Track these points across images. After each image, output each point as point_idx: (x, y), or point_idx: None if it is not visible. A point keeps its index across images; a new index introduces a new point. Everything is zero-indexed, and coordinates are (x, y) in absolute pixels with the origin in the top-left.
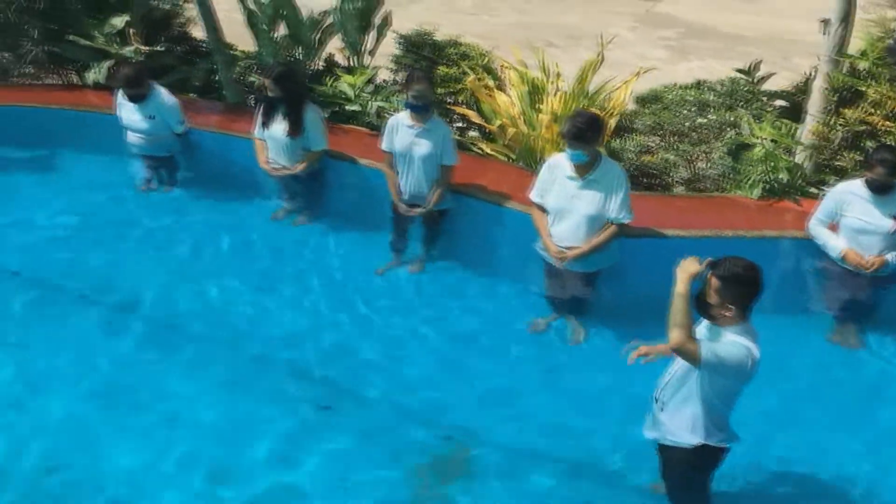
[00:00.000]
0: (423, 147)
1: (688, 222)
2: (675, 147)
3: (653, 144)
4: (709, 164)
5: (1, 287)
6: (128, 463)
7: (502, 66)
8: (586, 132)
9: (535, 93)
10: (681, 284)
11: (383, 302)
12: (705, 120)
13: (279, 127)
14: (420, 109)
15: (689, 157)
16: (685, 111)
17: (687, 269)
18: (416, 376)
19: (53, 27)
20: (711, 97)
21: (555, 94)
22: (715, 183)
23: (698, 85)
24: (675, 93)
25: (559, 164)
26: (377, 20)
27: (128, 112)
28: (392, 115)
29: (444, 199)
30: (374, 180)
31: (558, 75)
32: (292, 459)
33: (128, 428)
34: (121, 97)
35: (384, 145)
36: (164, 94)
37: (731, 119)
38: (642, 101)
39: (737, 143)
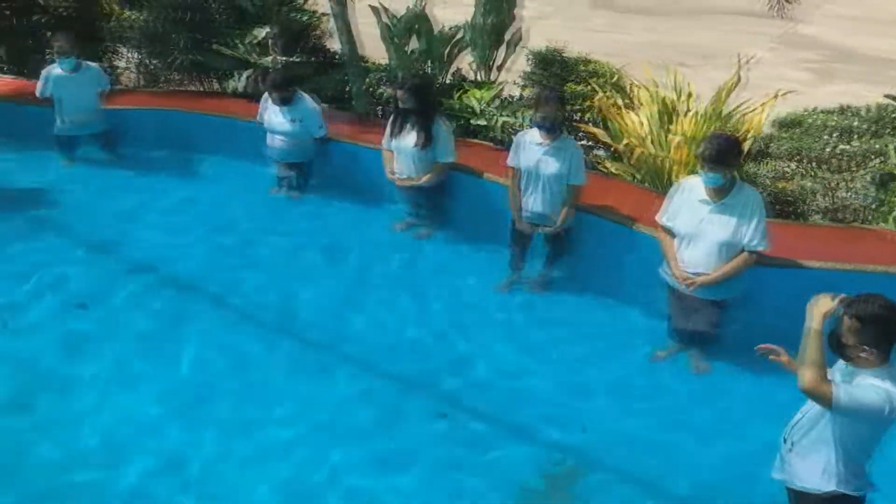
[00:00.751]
0: (550, 165)
1: (826, 254)
2: (813, 174)
3: (789, 170)
4: (850, 194)
5: (137, 284)
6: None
7: (632, 84)
8: (727, 155)
9: (665, 113)
10: (813, 322)
11: (500, 318)
12: (849, 147)
13: (408, 138)
14: (548, 130)
15: (828, 185)
16: (826, 137)
17: (820, 307)
18: (530, 395)
19: (199, 37)
20: (856, 123)
21: (686, 115)
22: (856, 214)
23: (842, 110)
24: (816, 117)
25: (692, 187)
26: (509, 36)
27: (273, 115)
28: (520, 130)
29: (568, 220)
30: (498, 195)
31: (690, 95)
32: (401, 463)
33: (258, 433)
34: (266, 100)
35: (511, 161)
36: (308, 99)
37: (878, 147)
38: (780, 125)
39: (883, 172)
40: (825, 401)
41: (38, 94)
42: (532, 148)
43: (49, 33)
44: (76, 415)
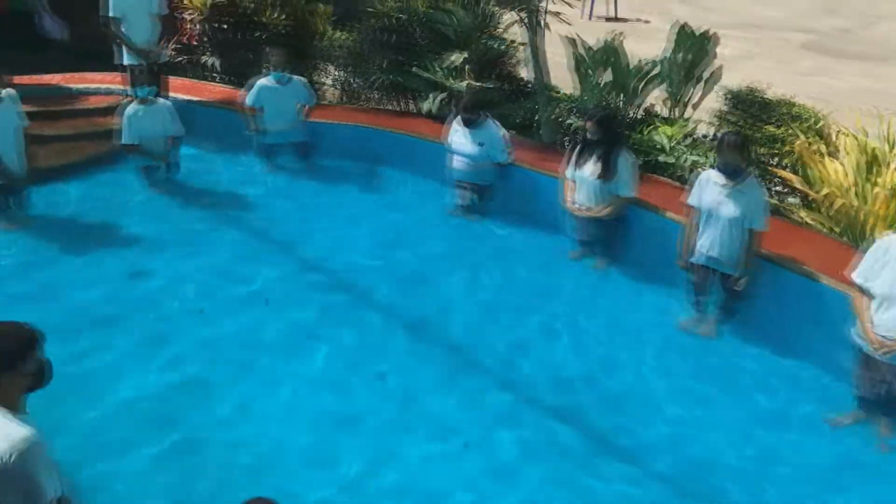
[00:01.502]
0: (731, 208)
1: None
2: None
3: None
4: None
5: (314, 286)
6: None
7: (838, 131)
8: None
9: (873, 164)
10: None
11: (672, 359)
12: None
13: (590, 169)
14: (731, 174)
15: None
16: None
17: None
18: (697, 448)
19: (400, 59)
20: None
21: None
22: None
23: None
24: None
25: (894, 246)
26: (705, 74)
27: (460, 137)
28: (704, 169)
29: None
30: (677, 234)
31: None
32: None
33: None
34: (456, 122)
35: (690, 199)
36: (494, 124)
37: None
38: None
39: None
40: None
41: (246, 103)
42: (714, 188)
43: (266, 48)
44: (243, 401)
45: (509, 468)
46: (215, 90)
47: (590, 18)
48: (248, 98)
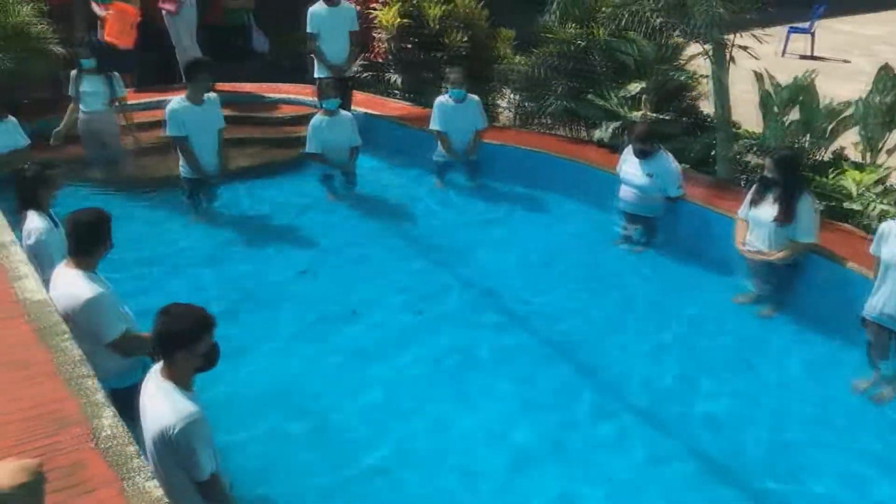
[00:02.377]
0: None
1: None
2: None
3: None
4: None
5: (464, 300)
6: None
7: None
8: None
9: None
10: None
11: (840, 420)
12: None
13: (768, 210)
14: None
15: None
16: None
17: None
18: None
19: (576, 86)
20: None
21: None
22: None
23: None
24: None
25: None
26: None
27: (631, 167)
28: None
29: None
30: (859, 288)
31: None
32: None
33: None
34: (628, 152)
35: (873, 249)
36: (669, 157)
37: None
38: None
39: None
40: None
41: (432, 126)
42: (895, 240)
43: (445, 68)
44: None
45: None
46: (395, 106)
47: (783, 55)
48: (434, 122)
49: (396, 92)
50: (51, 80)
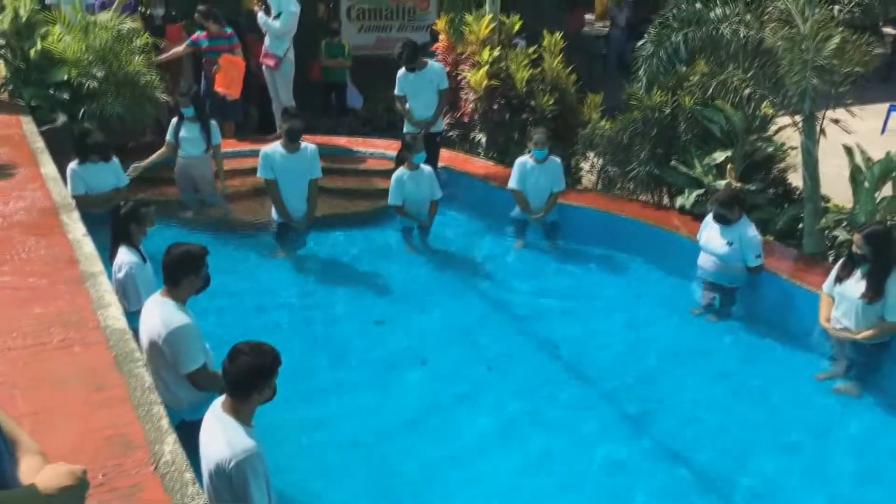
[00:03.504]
0: None
1: None
2: None
3: None
4: None
5: (542, 365)
6: None
7: None
8: None
9: None
10: None
11: None
12: None
13: (856, 287)
14: None
15: None
16: None
17: None
18: None
19: (660, 152)
20: None
21: None
22: None
23: None
24: None
25: None
26: None
27: (712, 233)
28: None
29: None
30: None
31: None
32: None
33: None
34: (709, 219)
35: None
36: (750, 226)
37: None
38: None
39: None
40: None
41: (510, 185)
42: None
43: (530, 129)
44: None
45: None
46: (479, 164)
47: (883, 132)
48: (512, 180)
49: (481, 150)
50: (156, 126)
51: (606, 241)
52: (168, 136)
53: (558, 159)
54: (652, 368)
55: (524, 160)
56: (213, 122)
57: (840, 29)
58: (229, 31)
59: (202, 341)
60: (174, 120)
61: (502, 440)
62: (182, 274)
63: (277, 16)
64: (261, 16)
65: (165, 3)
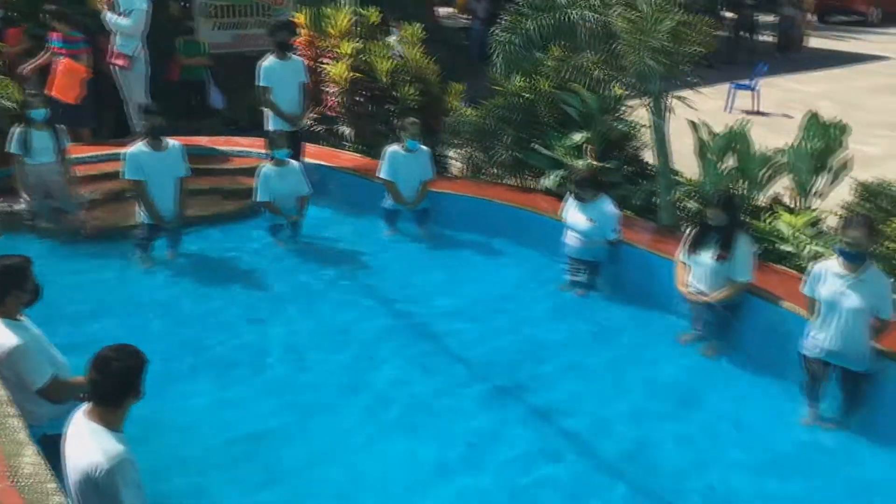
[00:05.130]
0: (853, 299)
1: None
2: None
3: None
4: None
5: (416, 348)
6: None
7: None
8: None
9: None
10: None
11: (787, 459)
12: None
13: (707, 252)
14: (853, 258)
15: None
16: None
17: None
18: None
19: (523, 136)
20: None
21: None
22: None
23: None
24: None
25: None
26: (834, 163)
27: (573, 212)
28: (826, 259)
29: (870, 360)
30: (794, 326)
31: None
32: None
33: None
34: (570, 197)
35: (807, 290)
36: (609, 203)
37: None
38: None
39: None
40: None
41: (381, 175)
42: (833, 280)
43: (397, 120)
44: (342, 449)
45: None
46: (347, 157)
47: (730, 111)
48: (383, 171)
49: (347, 144)
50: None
51: (476, 226)
52: (12, 148)
53: (427, 148)
54: (524, 344)
55: (395, 150)
56: (62, 126)
57: (678, 11)
58: (80, 35)
59: (48, 352)
60: (16, 129)
61: (385, 432)
62: (4, 291)
63: (126, 14)
64: (109, 15)
65: (4, 6)
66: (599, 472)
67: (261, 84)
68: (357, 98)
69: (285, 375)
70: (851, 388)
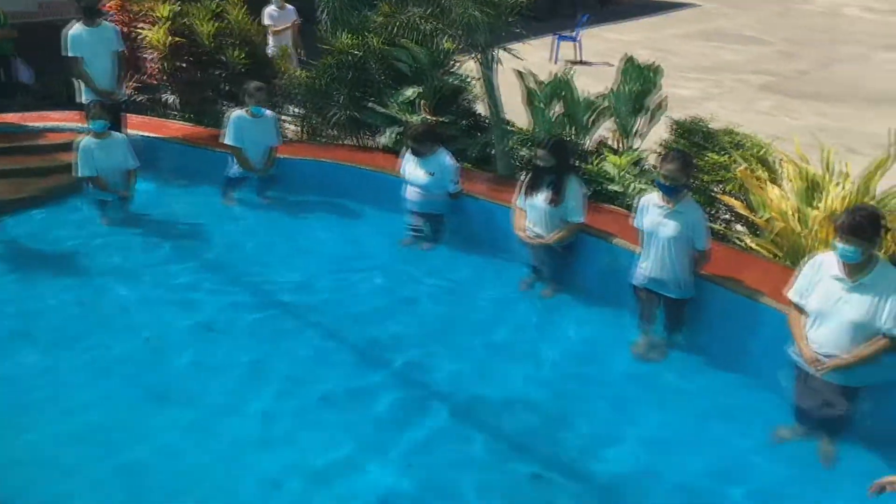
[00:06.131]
0: (669, 228)
1: None
2: None
3: None
4: None
5: (260, 314)
6: None
7: (781, 159)
8: (865, 228)
9: (812, 189)
10: None
11: (622, 384)
12: None
13: (541, 196)
14: (669, 191)
15: None
16: None
17: None
18: (643, 475)
19: (357, 95)
20: None
21: (834, 192)
22: None
23: None
24: None
25: (826, 263)
26: (651, 104)
27: (411, 167)
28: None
29: (688, 287)
30: (625, 260)
31: (846, 176)
32: None
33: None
34: (408, 152)
35: (636, 222)
36: (447, 156)
37: None
38: None
39: None
40: None
41: (227, 141)
42: (654, 210)
43: (225, 86)
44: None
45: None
46: (174, 127)
47: (555, 62)
48: (229, 137)
49: (175, 113)
50: None
51: (318, 189)
52: None
53: (273, 114)
54: (368, 299)
55: (240, 116)
56: None
57: None
58: None
59: None
60: None
61: (241, 408)
62: None
63: None
64: None
65: None
66: (455, 419)
67: (69, 55)
68: (180, 64)
69: (124, 355)
70: (674, 313)
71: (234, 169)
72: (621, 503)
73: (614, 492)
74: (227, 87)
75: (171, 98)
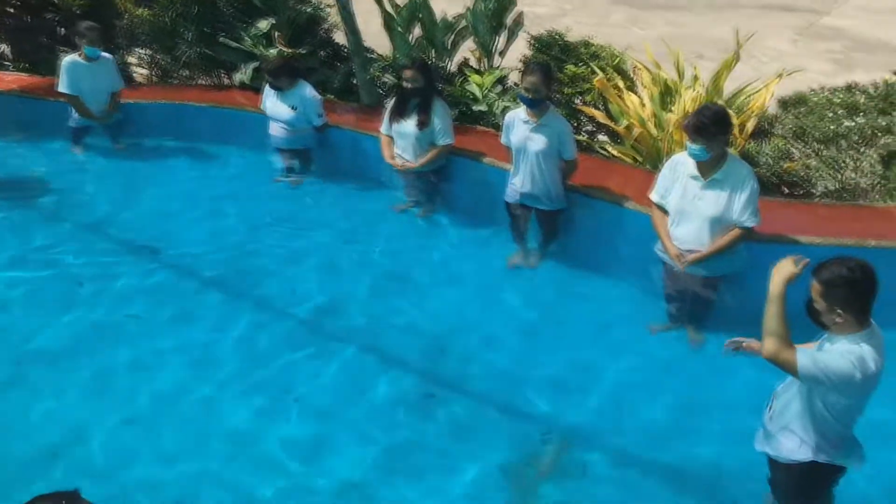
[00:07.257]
0: (537, 142)
1: (829, 231)
2: (818, 153)
3: (796, 151)
4: (858, 174)
5: (131, 266)
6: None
7: (635, 67)
8: (709, 126)
9: (667, 94)
10: (774, 287)
11: (499, 294)
12: (853, 123)
13: (408, 121)
14: (532, 104)
15: (835, 165)
16: (831, 114)
17: (782, 271)
18: (524, 372)
19: (206, 31)
20: (863, 100)
21: (687, 95)
22: (864, 194)
23: (849, 88)
24: (821, 95)
25: (682, 163)
26: (509, 21)
27: (273, 103)
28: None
29: (559, 199)
30: (496, 178)
31: (696, 79)
32: (391, 451)
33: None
34: (268, 88)
35: (503, 139)
36: (308, 88)
37: (884, 124)
38: (784, 104)
39: (890, 149)
40: (791, 368)
41: (61, 89)
42: (520, 126)
43: (61, 30)
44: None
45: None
46: (9, 78)
47: None
48: (63, 85)
49: (7, 63)
50: None
51: (175, 133)
52: None
53: (111, 56)
54: (243, 239)
55: (74, 61)
56: None
57: None
58: None
59: None
60: None
61: (106, 347)
62: None
63: None
64: None
65: None
66: (326, 343)
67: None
68: (8, 9)
69: None
70: (548, 226)
71: (74, 117)
72: (506, 395)
73: (499, 382)
74: (63, 32)
75: (2, 47)
